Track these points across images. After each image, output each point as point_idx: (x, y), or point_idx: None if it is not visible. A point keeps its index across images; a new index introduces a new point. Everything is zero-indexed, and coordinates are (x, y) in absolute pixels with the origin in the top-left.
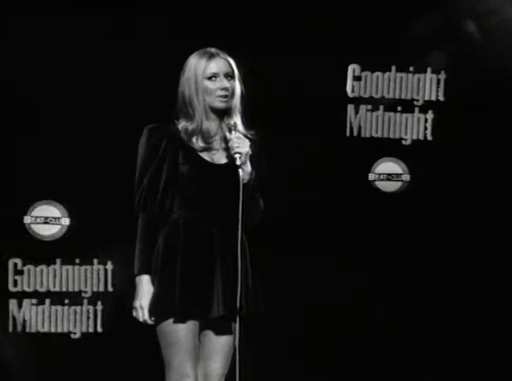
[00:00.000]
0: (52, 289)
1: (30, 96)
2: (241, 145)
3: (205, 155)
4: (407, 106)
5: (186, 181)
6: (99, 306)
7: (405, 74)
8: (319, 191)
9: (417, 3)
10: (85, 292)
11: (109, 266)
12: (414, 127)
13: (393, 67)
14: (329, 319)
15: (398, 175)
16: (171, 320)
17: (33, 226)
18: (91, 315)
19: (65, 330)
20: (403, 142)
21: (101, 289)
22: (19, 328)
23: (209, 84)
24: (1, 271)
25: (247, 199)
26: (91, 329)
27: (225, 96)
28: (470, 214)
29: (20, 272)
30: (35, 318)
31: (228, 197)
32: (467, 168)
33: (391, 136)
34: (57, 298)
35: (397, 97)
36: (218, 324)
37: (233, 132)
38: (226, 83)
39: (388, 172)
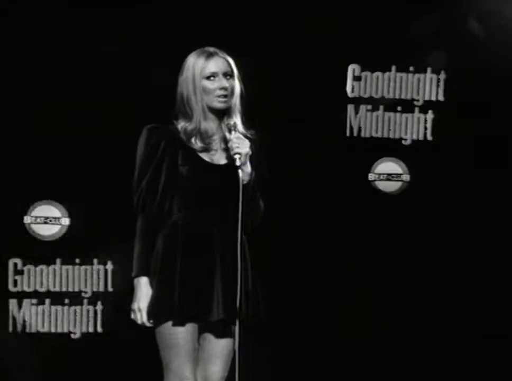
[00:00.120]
0: (52, 289)
1: (30, 96)
2: (241, 145)
3: (205, 156)
4: (407, 106)
5: (185, 182)
6: (99, 306)
7: (405, 74)
8: (319, 191)
9: (417, 3)
10: (85, 292)
11: (109, 266)
12: (414, 127)
13: (393, 67)
14: (329, 319)
15: (398, 175)
16: (169, 323)
17: (33, 226)
18: (91, 315)
19: (65, 330)
20: (403, 142)
21: (101, 289)
22: (19, 328)
23: (207, 84)
24: (1, 271)
25: (247, 199)
26: (91, 329)
27: (224, 96)
28: (470, 214)
29: (20, 272)
30: (35, 318)
31: (228, 197)
32: (467, 168)
33: (391, 136)
34: (57, 298)
35: (397, 97)
36: (218, 327)
37: (233, 132)
38: (224, 83)
39: (388, 172)
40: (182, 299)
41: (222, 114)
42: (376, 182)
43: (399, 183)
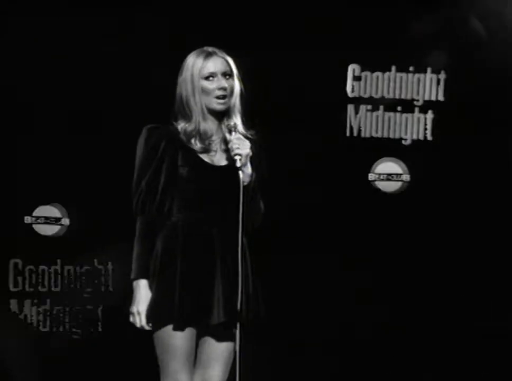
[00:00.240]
0: (52, 289)
1: (30, 96)
2: (242, 146)
3: (205, 157)
4: (407, 106)
5: (185, 183)
6: (99, 306)
7: (405, 74)
8: (319, 191)
9: (417, 3)
10: (86, 292)
11: (109, 266)
12: (414, 127)
13: (393, 67)
14: (329, 319)
15: (398, 175)
16: (169, 327)
17: (33, 226)
18: (91, 315)
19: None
20: (403, 142)
21: (101, 289)
22: (19, 328)
23: (206, 84)
24: (1, 271)
25: (248, 201)
26: (91, 329)
27: (223, 96)
28: (470, 214)
29: (21, 272)
30: (35, 318)
31: (228, 198)
32: (467, 168)
33: (391, 136)
34: (58, 298)
35: (397, 97)
36: (218, 330)
37: (233, 133)
38: (223, 83)
39: (388, 172)
40: (182, 301)
41: (222, 114)
42: (376, 182)
43: (399, 183)
